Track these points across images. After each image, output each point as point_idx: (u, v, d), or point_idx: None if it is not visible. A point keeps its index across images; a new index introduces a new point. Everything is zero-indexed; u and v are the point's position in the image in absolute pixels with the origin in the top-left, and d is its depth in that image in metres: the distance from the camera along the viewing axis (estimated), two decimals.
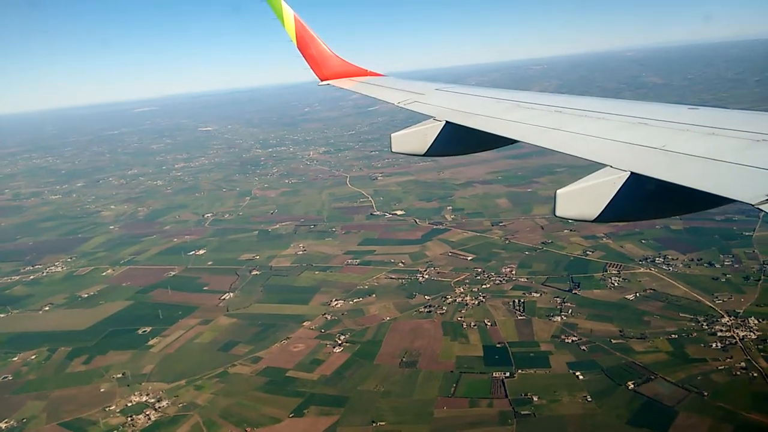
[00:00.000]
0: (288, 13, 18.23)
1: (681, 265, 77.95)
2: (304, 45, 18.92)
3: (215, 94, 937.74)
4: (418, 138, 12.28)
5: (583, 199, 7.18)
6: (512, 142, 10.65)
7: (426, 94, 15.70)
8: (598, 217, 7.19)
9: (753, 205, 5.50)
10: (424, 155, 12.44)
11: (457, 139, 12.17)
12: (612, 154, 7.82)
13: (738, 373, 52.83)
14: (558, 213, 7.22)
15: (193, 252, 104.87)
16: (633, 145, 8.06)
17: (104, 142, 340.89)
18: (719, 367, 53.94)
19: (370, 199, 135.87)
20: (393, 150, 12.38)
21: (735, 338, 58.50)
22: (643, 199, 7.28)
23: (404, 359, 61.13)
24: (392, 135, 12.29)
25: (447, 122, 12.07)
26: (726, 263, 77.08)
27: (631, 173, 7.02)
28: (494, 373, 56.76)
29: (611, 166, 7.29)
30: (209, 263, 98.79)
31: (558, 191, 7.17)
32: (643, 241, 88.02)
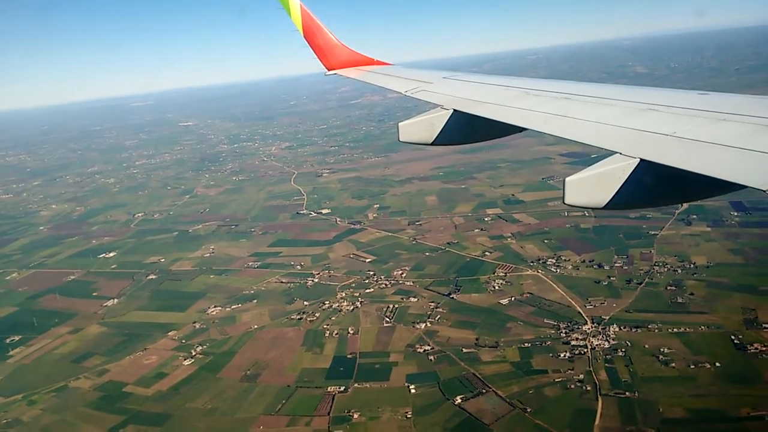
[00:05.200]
0: (294, 2, 17.95)
1: (570, 266, 75.16)
2: (310, 34, 18.60)
3: (216, 87, 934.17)
4: (425, 127, 11.96)
5: (592, 187, 7.05)
6: (520, 129, 10.46)
7: (433, 82, 15.28)
8: (607, 204, 7.07)
9: (765, 191, 5.46)
10: (431, 144, 12.11)
11: (465, 128, 11.95)
12: (621, 141, 7.69)
13: (572, 386, 50.24)
14: (567, 201, 7.01)
15: (103, 255, 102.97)
16: (642, 132, 7.92)
17: (83, 138, 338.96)
18: (556, 380, 51.39)
19: (305, 197, 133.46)
20: (400, 139, 12.01)
21: (587, 347, 55.82)
22: (653, 186, 7.15)
23: (249, 372, 58.84)
24: (399, 124, 11.96)
25: (454, 111, 11.80)
26: (617, 264, 74.23)
27: (641, 160, 6.92)
28: (329, 388, 54.40)
29: (621, 153, 7.18)
30: (113, 267, 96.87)
31: (567, 179, 6.96)
32: (545, 241, 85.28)
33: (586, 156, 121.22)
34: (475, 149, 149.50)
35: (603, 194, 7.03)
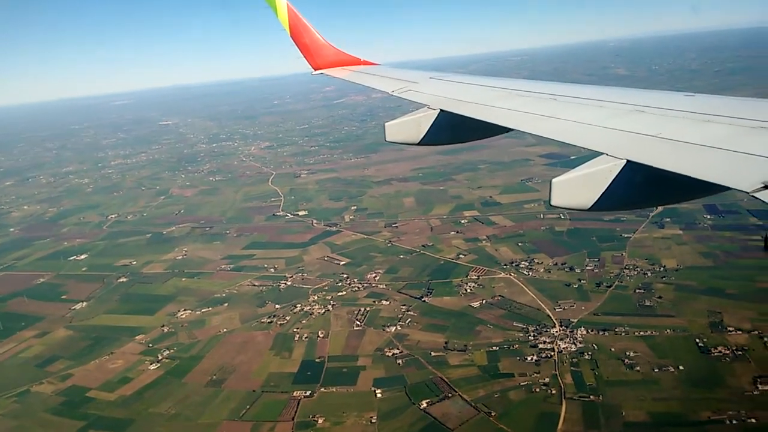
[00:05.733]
0: (281, 1, 17.99)
1: (542, 269, 75.24)
2: (297, 34, 18.70)
3: (201, 86, 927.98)
4: (411, 127, 11.94)
5: (578, 188, 6.97)
6: (507, 130, 10.49)
7: (420, 82, 15.35)
8: (593, 205, 7.01)
9: (748, 193, 5.34)
10: (418, 144, 12.08)
11: (452, 128, 11.95)
12: (608, 142, 7.64)
13: (537, 390, 50.22)
14: (553, 202, 6.95)
15: (74, 257, 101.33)
16: (629, 133, 7.91)
17: (60, 137, 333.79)
18: (522, 384, 51.33)
19: (282, 198, 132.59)
20: (387, 139, 11.95)
21: (554, 351, 55.85)
22: (640, 187, 7.10)
23: (215, 377, 58.12)
24: (386, 124, 11.88)
25: (441, 111, 11.81)
26: (588, 267, 74.43)
27: (627, 161, 6.88)
28: (295, 393, 53.87)
29: (607, 154, 7.12)
30: (83, 269, 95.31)
31: (553, 180, 6.89)
32: (519, 244, 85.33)
33: (565, 157, 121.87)
34: (455, 150, 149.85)
35: (589, 195, 6.99)
